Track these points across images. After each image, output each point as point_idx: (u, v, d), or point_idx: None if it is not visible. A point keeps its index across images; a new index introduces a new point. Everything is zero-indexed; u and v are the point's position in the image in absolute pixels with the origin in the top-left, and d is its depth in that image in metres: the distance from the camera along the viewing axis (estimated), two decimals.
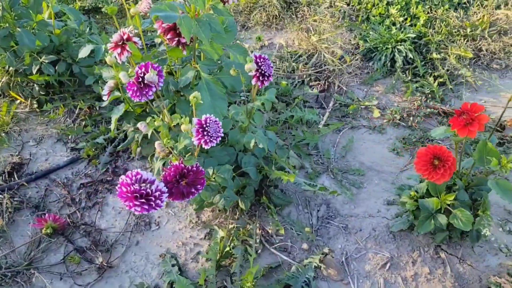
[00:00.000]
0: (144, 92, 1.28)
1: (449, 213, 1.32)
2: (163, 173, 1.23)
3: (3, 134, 2.08)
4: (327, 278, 1.50)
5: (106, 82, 1.52)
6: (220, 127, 1.16)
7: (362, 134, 2.02)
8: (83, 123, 2.11)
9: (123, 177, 1.15)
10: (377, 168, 1.85)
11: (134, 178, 1.15)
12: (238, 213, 1.67)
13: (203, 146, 1.16)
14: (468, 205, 1.33)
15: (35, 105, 2.20)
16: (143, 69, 1.28)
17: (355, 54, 2.41)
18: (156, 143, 1.22)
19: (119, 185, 1.15)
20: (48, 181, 1.90)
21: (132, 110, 1.65)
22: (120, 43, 1.48)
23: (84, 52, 1.72)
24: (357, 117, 2.10)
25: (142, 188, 1.13)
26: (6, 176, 1.90)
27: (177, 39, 1.32)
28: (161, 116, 1.46)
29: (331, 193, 1.64)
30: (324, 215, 1.68)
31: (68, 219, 1.73)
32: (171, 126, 1.44)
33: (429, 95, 2.16)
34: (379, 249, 1.55)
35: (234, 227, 1.63)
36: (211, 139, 1.15)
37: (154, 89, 1.30)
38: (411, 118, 2.05)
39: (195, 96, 1.12)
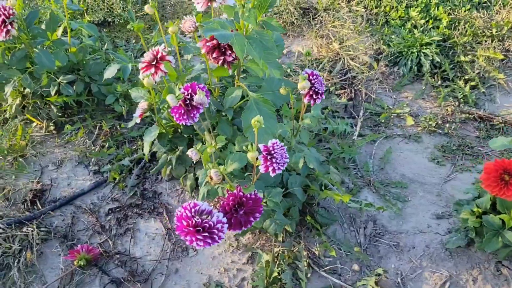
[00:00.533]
0: (192, 115, 1.20)
1: None
2: (221, 202, 1.14)
3: (21, 159, 1.98)
4: None
5: (128, 100, 1.43)
6: (286, 152, 1.08)
7: (398, 143, 1.94)
8: (106, 144, 2.01)
9: (180, 209, 1.07)
10: (419, 179, 1.78)
11: (192, 210, 1.06)
12: (281, 235, 1.59)
13: (271, 174, 1.07)
14: None
15: (52, 127, 2.09)
16: (189, 91, 1.19)
17: (379, 60, 2.34)
18: (212, 171, 1.13)
19: (176, 219, 1.07)
20: (73, 207, 1.80)
21: (165, 131, 1.56)
22: (154, 63, 1.39)
23: (110, 72, 1.63)
24: (390, 126, 2.02)
25: (204, 220, 1.05)
26: (29, 204, 1.79)
27: (222, 57, 1.23)
28: (210, 141, 1.37)
29: (377, 208, 1.56)
30: (372, 232, 1.60)
31: (100, 249, 1.63)
32: (216, 149, 1.35)
33: (462, 100, 2.09)
34: (435, 267, 1.48)
35: (280, 250, 1.54)
36: (279, 166, 1.06)
37: (201, 111, 1.21)
38: (447, 125, 1.98)
39: (258, 120, 1.03)
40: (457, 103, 2.08)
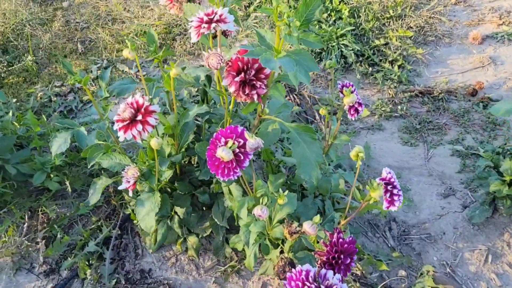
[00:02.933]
0: (244, 165, 0.96)
1: None
2: (320, 258, 0.94)
3: None
4: None
5: (62, 173, 1.12)
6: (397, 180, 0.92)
7: (366, 136, 1.93)
8: (49, 235, 1.56)
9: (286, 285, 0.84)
10: (405, 165, 1.78)
11: (307, 277, 0.85)
12: None
13: (392, 209, 0.91)
14: None
15: None
16: (234, 137, 0.95)
17: None
18: (307, 226, 0.91)
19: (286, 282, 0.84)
20: None
21: (162, 197, 1.25)
22: (139, 118, 1.10)
23: (59, 144, 1.24)
24: (349, 122, 2.00)
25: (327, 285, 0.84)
26: None
27: (255, 92, 1.01)
28: (238, 193, 1.13)
29: (373, 207, 1.49)
30: (398, 232, 1.54)
31: None
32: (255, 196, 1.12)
33: (396, 81, 2.17)
34: (472, 245, 1.48)
35: None
36: (399, 198, 0.90)
37: (251, 157, 0.98)
38: (399, 107, 2.04)
39: (359, 152, 0.86)
40: (394, 84, 2.15)
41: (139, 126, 1.08)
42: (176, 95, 1.28)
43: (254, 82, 1.02)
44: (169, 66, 1.02)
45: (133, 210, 1.55)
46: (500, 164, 1.40)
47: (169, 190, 1.34)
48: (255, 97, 1.02)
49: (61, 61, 1.25)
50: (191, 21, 1.07)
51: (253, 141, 0.94)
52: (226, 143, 0.95)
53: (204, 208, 1.40)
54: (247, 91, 1.00)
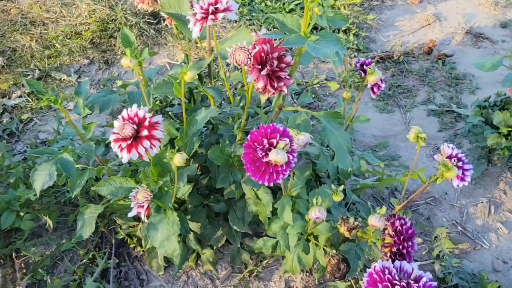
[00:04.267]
0: (292, 165, 0.87)
1: None
2: (390, 250, 0.88)
3: None
4: (464, 254, 1.39)
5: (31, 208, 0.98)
6: None
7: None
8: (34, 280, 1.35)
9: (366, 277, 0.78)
10: (389, 133, 1.78)
11: (391, 274, 0.79)
12: None
13: (462, 184, 0.86)
14: None
15: None
16: (278, 137, 0.85)
17: None
18: (375, 220, 0.84)
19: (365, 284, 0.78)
20: None
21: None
22: (144, 134, 0.95)
23: (43, 180, 1.04)
24: (322, 98, 1.95)
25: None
26: None
27: (282, 84, 0.90)
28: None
29: (394, 180, 1.48)
30: (403, 201, 1.53)
31: None
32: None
33: (354, 49, 2.16)
34: (474, 200, 1.52)
35: None
36: (470, 172, 0.86)
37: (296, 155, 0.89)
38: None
39: (419, 132, 0.80)
40: (354, 54, 2.13)
41: (146, 143, 0.93)
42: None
43: (280, 74, 0.91)
44: (183, 71, 0.88)
45: (127, 234, 1.38)
46: (490, 118, 1.44)
47: (176, 205, 1.20)
48: (285, 89, 0.91)
49: (26, 82, 1.03)
50: (194, 14, 0.93)
51: (302, 138, 0.84)
52: (270, 144, 0.84)
53: (214, 217, 1.28)
54: (275, 85, 0.90)
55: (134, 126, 0.94)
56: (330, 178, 1.25)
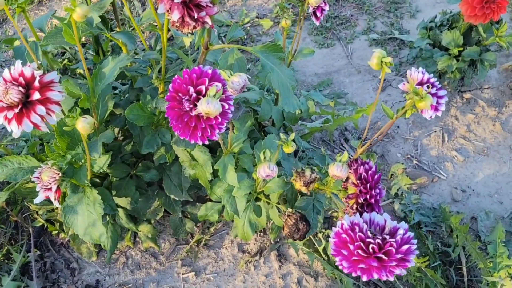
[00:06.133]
0: (228, 115, 0.69)
1: None
2: (356, 200, 0.74)
3: None
4: (422, 189, 1.32)
5: None
6: None
7: None
8: None
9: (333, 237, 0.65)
10: (332, 69, 1.63)
11: (362, 231, 0.66)
12: None
13: (435, 115, 0.72)
14: None
15: None
16: (207, 82, 0.66)
17: None
18: (336, 169, 0.69)
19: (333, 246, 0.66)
20: None
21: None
22: (36, 98, 0.74)
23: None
24: (254, 38, 1.75)
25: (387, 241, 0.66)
26: None
27: (204, 13, 0.70)
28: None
29: (346, 119, 1.35)
30: (354, 140, 1.42)
31: None
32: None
33: None
34: (426, 130, 1.44)
35: None
36: (445, 99, 0.71)
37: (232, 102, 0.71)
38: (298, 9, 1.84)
39: (382, 56, 0.64)
40: None
41: (41, 109, 0.71)
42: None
43: (199, 0, 0.70)
44: (69, 7, 0.65)
45: (47, 220, 1.17)
46: (439, 39, 1.32)
47: (98, 180, 1.00)
48: (208, 20, 0.71)
49: None
50: None
51: (237, 79, 0.66)
52: (198, 92, 0.65)
53: (146, 187, 1.09)
54: (195, 15, 0.69)
55: (21, 88, 0.71)
56: (275, 125, 1.09)
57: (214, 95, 0.63)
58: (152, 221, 1.12)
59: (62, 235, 1.19)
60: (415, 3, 1.84)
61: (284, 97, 0.82)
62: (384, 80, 1.57)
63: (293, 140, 0.75)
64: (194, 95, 0.66)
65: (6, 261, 1.16)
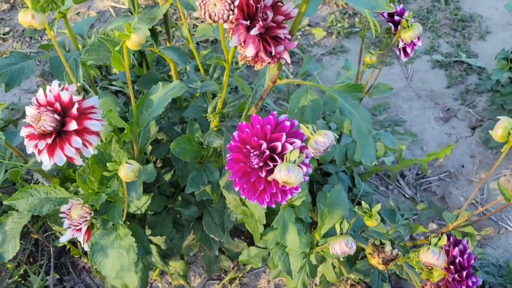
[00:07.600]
0: (305, 180, 0.56)
1: None
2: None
3: None
4: (487, 241, 1.16)
5: None
6: None
7: (330, 63, 1.57)
8: None
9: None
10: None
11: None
12: None
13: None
14: None
15: None
16: (284, 138, 0.53)
17: None
18: (431, 257, 0.55)
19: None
20: None
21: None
22: (73, 128, 0.61)
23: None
24: (304, 49, 1.61)
25: None
26: None
27: (282, 48, 0.56)
28: None
29: (415, 161, 1.19)
30: (412, 177, 1.27)
31: None
32: None
33: None
34: (494, 172, 1.28)
35: None
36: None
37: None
38: (356, 20, 1.69)
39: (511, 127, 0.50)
40: None
41: (77, 141, 0.60)
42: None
43: (277, 32, 0.57)
44: (124, 33, 0.52)
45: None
46: None
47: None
48: (287, 57, 0.57)
49: None
50: None
51: (323, 140, 0.53)
52: (272, 148, 0.52)
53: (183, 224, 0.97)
54: (272, 50, 0.55)
55: (56, 116, 0.60)
56: (334, 163, 0.95)
57: (295, 161, 0.49)
58: (185, 257, 1.00)
59: (85, 259, 1.09)
60: (485, 23, 1.66)
61: (362, 146, 0.68)
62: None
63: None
64: (267, 152, 0.52)
65: (23, 282, 1.06)
